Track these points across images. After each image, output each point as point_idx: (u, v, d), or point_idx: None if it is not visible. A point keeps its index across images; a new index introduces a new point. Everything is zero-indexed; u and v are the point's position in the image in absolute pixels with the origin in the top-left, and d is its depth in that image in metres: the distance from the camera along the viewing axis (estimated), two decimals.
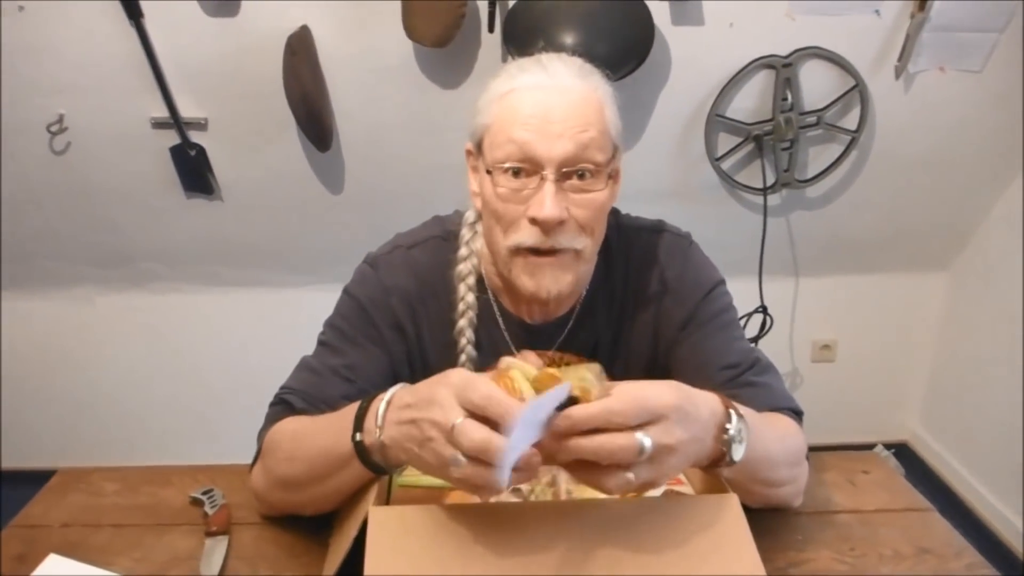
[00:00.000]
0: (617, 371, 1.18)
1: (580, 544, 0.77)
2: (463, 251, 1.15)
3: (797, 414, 1.12)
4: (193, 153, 2.16)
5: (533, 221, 1.00)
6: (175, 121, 2.09)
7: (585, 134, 0.99)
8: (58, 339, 2.63)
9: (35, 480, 1.21)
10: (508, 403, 0.73)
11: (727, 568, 0.75)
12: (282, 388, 1.12)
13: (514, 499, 0.95)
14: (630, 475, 0.75)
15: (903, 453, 2.89)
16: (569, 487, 0.93)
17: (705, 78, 2.12)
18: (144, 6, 1.89)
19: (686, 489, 0.96)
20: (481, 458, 0.72)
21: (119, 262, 2.49)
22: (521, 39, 1.93)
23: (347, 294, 1.17)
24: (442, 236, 1.18)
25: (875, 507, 1.13)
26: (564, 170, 0.99)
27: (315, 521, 1.03)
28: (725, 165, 2.27)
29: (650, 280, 1.18)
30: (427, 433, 0.76)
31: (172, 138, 2.14)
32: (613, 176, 1.07)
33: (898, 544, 1.05)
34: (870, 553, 1.03)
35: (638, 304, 1.18)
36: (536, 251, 1.03)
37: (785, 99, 2.13)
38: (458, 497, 0.95)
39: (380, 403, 0.85)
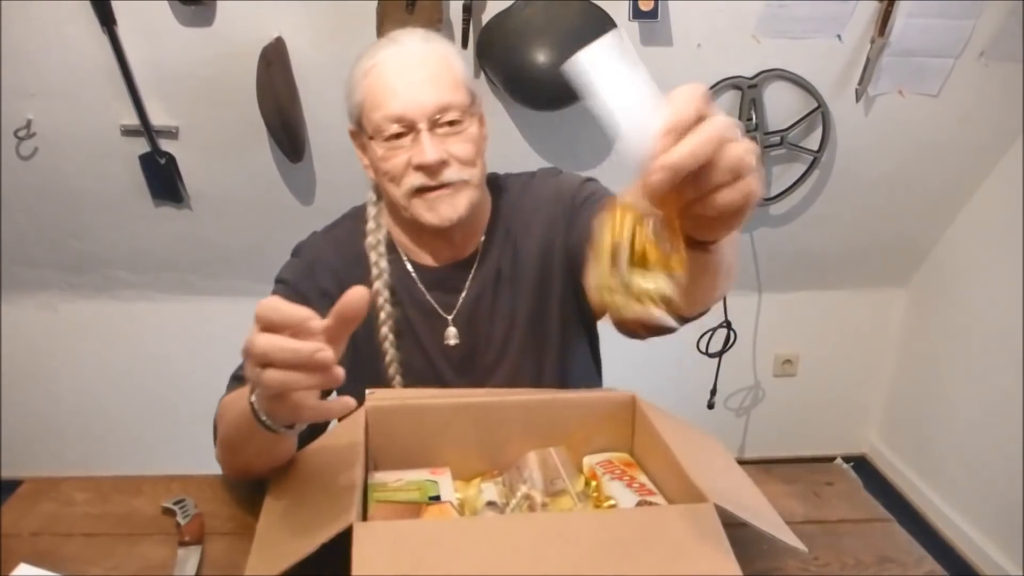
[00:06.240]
0: (515, 290, 1.30)
1: (562, 556, 0.79)
2: (371, 224, 1.29)
3: None
4: (163, 161, 2.16)
5: (418, 167, 1.15)
6: (145, 129, 2.08)
7: (442, 84, 1.15)
8: (20, 345, 2.59)
9: None
10: (287, 309, 0.76)
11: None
12: (239, 366, 1.20)
13: (491, 513, 0.97)
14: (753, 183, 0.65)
15: (861, 466, 2.94)
16: (544, 500, 0.94)
17: None
18: (117, 13, 1.88)
19: (658, 500, 0.98)
20: (266, 362, 0.75)
21: (85, 268, 2.46)
22: (495, 55, 1.96)
23: (278, 281, 1.29)
24: (353, 216, 1.35)
25: (838, 517, 1.16)
26: (435, 118, 1.14)
27: None
28: None
29: (532, 205, 1.32)
30: (249, 370, 0.79)
31: (142, 146, 2.13)
32: (479, 119, 1.23)
33: (860, 553, 1.08)
34: (833, 562, 1.06)
35: (528, 226, 1.31)
36: (428, 188, 1.17)
37: (750, 119, 2.18)
38: (434, 512, 0.96)
39: None
